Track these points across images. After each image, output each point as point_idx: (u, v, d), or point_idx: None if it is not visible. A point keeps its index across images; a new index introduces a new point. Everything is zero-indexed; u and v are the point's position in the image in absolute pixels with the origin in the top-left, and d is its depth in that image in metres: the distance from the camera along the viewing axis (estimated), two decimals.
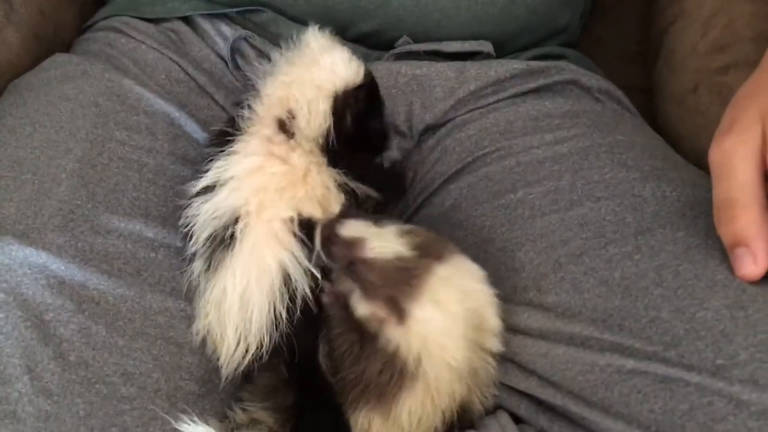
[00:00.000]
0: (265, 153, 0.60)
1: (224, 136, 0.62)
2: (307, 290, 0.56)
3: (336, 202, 0.60)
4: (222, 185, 0.59)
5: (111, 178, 0.63)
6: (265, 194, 0.58)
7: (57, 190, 0.60)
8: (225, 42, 0.76)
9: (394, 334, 0.53)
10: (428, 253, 0.54)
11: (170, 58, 0.74)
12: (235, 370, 0.57)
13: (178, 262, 0.61)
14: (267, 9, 0.76)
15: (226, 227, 0.58)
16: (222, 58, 0.77)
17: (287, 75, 0.64)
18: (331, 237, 0.56)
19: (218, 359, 0.57)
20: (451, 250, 0.56)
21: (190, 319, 0.59)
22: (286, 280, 0.56)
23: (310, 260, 0.57)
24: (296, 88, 0.63)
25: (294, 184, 0.59)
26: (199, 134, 0.70)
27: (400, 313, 0.53)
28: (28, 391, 0.52)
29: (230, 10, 0.77)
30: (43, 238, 0.57)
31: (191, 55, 0.76)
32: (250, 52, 0.75)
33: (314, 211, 0.59)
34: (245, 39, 0.75)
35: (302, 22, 0.76)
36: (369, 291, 0.54)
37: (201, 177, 0.60)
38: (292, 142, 0.61)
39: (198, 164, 0.67)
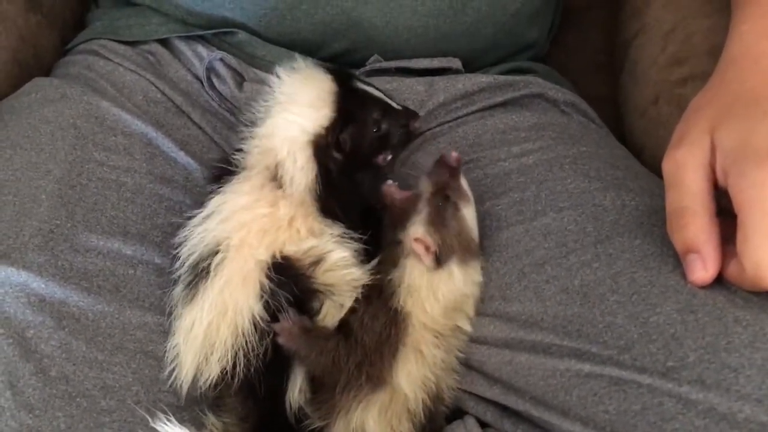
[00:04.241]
0: (255, 196, 0.62)
1: (223, 174, 0.64)
2: (255, 340, 0.58)
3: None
4: (215, 214, 0.61)
5: (90, 197, 0.65)
6: (248, 232, 0.60)
7: (37, 211, 0.62)
8: (201, 63, 0.78)
9: (407, 264, 0.61)
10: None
11: (147, 80, 0.76)
12: (194, 392, 0.59)
13: (157, 279, 0.63)
14: (241, 31, 0.78)
15: (207, 257, 0.60)
16: (198, 79, 0.79)
17: (265, 125, 0.65)
18: (447, 164, 0.64)
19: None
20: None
21: (168, 333, 0.60)
22: (252, 322, 0.58)
23: (281, 294, 0.58)
24: (276, 139, 0.64)
25: (278, 228, 0.61)
26: (175, 153, 0.71)
27: (440, 259, 0.60)
28: (10, 405, 0.54)
29: (206, 32, 0.79)
30: (24, 257, 0.59)
31: (168, 76, 0.78)
32: (225, 72, 0.77)
33: (297, 248, 0.60)
34: (220, 59, 0.77)
35: (276, 43, 0.78)
36: (436, 224, 0.61)
37: (202, 206, 0.62)
38: (280, 192, 0.62)
39: (175, 182, 0.70)
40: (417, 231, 0.62)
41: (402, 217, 0.63)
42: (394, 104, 0.69)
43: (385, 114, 0.67)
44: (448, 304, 0.61)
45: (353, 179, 0.66)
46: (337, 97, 0.65)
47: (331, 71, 0.67)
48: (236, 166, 0.64)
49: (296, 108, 0.64)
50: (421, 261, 0.61)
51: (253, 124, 0.65)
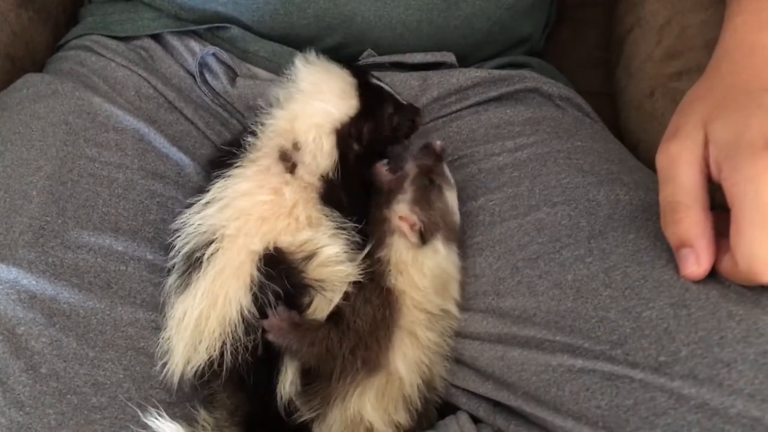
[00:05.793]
0: (259, 181, 0.62)
1: (228, 158, 0.64)
2: (242, 332, 0.58)
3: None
4: (214, 202, 0.61)
5: (81, 194, 0.64)
6: (247, 220, 0.60)
7: (28, 207, 0.62)
8: (193, 58, 0.78)
9: (393, 242, 0.62)
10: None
11: (140, 75, 0.76)
12: (185, 383, 0.59)
13: (148, 275, 0.63)
14: (234, 25, 0.77)
15: (202, 247, 0.60)
16: (190, 74, 0.78)
17: (287, 109, 0.66)
18: (433, 150, 0.66)
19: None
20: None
21: (159, 330, 0.60)
22: (240, 314, 0.58)
23: (270, 288, 0.58)
24: (299, 123, 0.65)
25: (277, 216, 0.61)
26: (168, 149, 0.71)
27: (425, 236, 0.62)
28: (0, 402, 0.53)
29: (199, 27, 0.79)
30: (14, 254, 0.59)
31: (160, 71, 0.78)
32: (218, 68, 0.77)
33: (292, 240, 0.60)
34: (213, 54, 0.77)
35: (268, 38, 0.78)
36: (421, 203, 0.63)
37: (203, 193, 0.62)
38: (288, 176, 0.63)
39: (167, 178, 0.69)
40: (402, 209, 0.63)
41: (388, 196, 0.64)
42: (401, 99, 0.71)
43: (396, 109, 0.70)
44: (435, 279, 0.61)
45: (364, 171, 0.67)
46: (360, 90, 0.67)
47: (346, 66, 0.70)
48: (244, 149, 0.65)
49: (324, 96, 0.66)
50: (406, 238, 0.62)
51: (271, 107, 0.67)
